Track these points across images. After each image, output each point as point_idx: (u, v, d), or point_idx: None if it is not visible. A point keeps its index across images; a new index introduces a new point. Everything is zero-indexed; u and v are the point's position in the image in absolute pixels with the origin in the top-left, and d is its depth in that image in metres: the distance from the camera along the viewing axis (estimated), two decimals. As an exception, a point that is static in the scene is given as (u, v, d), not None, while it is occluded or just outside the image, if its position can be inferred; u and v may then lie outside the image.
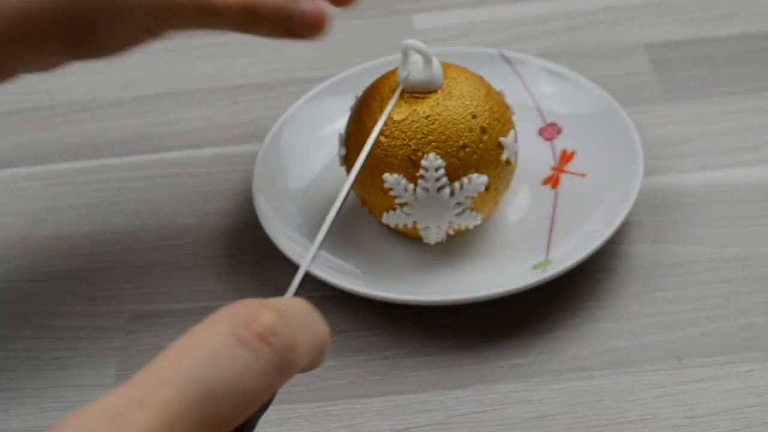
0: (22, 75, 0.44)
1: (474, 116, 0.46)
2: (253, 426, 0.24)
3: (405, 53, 0.46)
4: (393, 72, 0.48)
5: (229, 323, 0.22)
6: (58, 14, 0.40)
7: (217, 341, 0.22)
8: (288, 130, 0.55)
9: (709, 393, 0.43)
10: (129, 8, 0.41)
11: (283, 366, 0.22)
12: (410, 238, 0.50)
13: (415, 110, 0.45)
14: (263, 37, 0.44)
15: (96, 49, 0.43)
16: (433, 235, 0.48)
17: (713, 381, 0.44)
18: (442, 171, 0.45)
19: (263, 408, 0.24)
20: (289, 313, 0.23)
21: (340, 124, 0.51)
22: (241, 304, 0.23)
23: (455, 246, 0.50)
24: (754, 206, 0.52)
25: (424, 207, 0.46)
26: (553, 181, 0.53)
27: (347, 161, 0.48)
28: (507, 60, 0.58)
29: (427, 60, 0.45)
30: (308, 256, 0.32)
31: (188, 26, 0.43)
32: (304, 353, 0.23)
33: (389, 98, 0.46)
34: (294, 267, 0.46)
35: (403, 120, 0.45)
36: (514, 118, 0.49)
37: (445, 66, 0.48)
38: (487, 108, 0.46)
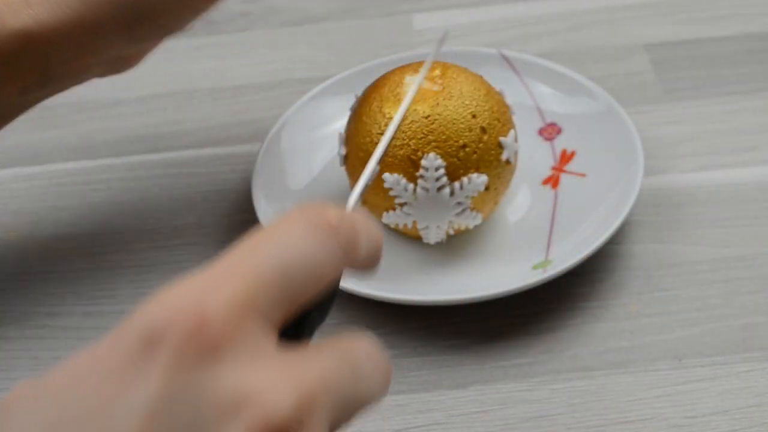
0: (92, 76, 0.47)
1: (474, 116, 0.46)
2: (323, 319, 0.28)
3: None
4: (393, 72, 0.49)
5: (301, 214, 0.25)
6: None
7: (290, 228, 0.25)
8: (288, 130, 0.55)
9: (709, 393, 0.43)
10: None
11: (348, 247, 0.25)
12: (410, 238, 0.50)
13: (415, 110, 0.45)
14: None
15: (151, 24, 0.45)
16: (433, 235, 0.48)
17: (713, 381, 0.44)
18: (442, 171, 0.45)
19: (326, 308, 0.28)
20: (351, 212, 0.27)
21: (340, 124, 0.51)
22: (308, 203, 0.26)
23: (455, 246, 0.50)
24: (754, 206, 0.52)
25: (424, 207, 0.46)
26: (553, 181, 0.53)
27: (347, 161, 0.48)
28: (507, 60, 0.58)
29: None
30: (367, 170, 0.35)
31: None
32: (364, 243, 0.27)
33: (389, 98, 0.46)
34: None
35: (403, 120, 0.45)
36: (514, 118, 0.49)
37: (445, 66, 0.48)
38: (487, 108, 0.46)
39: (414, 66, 0.48)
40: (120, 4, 0.44)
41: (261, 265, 0.23)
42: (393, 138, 0.37)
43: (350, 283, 0.46)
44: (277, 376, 0.22)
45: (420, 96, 0.46)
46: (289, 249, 0.24)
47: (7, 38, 0.42)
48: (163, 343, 0.21)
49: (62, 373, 0.22)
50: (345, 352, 0.25)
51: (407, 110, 0.45)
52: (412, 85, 0.46)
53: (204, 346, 0.21)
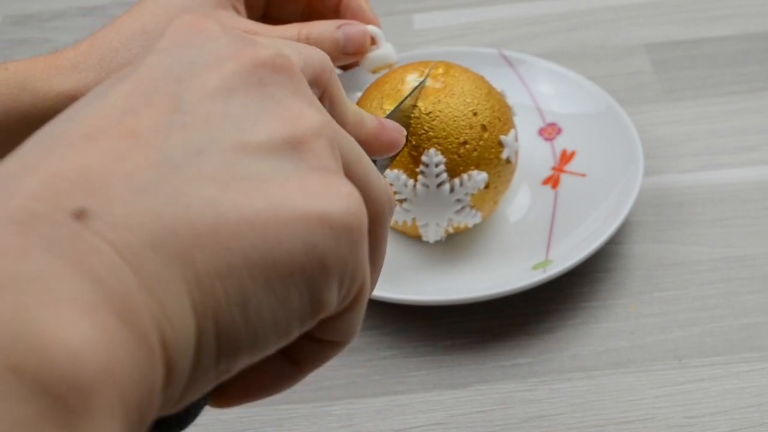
0: None
1: (475, 113, 0.46)
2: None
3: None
4: (393, 72, 0.48)
5: None
6: None
7: None
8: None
9: (709, 393, 0.43)
10: None
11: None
12: (410, 237, 0.50)
13: (416, 107, 0.45)
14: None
15: None
16: (433, 232, 0.48)
17: (713, 381, 0.44)
18: (442, 167, 0.45)
19: None
20: None
21: (340, 123, 0.51)
22: None
23: (455, 246, 0.50)
24: (754, 206, 0.52)
25: (424, 203, 0.46)
26: (553, 181, 0.53)
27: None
28: (507, 60, 0.58)
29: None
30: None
31: None
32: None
33: (390, 95, 0.46)
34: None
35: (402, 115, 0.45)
36: (515, 119, 0.49)
37: (447, 65, 0.48)
38: (488, 106, 0.46)
39: (414, 65, 0.48)
40: None
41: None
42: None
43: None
44: (270, 41, 0.25)
45: (422, 93, 0.46)
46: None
47: (53, 99, 0.45)
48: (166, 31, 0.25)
49: None
50: None
51: (407, 108, 0.46)
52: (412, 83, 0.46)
53: (195, 24, 0.25)
